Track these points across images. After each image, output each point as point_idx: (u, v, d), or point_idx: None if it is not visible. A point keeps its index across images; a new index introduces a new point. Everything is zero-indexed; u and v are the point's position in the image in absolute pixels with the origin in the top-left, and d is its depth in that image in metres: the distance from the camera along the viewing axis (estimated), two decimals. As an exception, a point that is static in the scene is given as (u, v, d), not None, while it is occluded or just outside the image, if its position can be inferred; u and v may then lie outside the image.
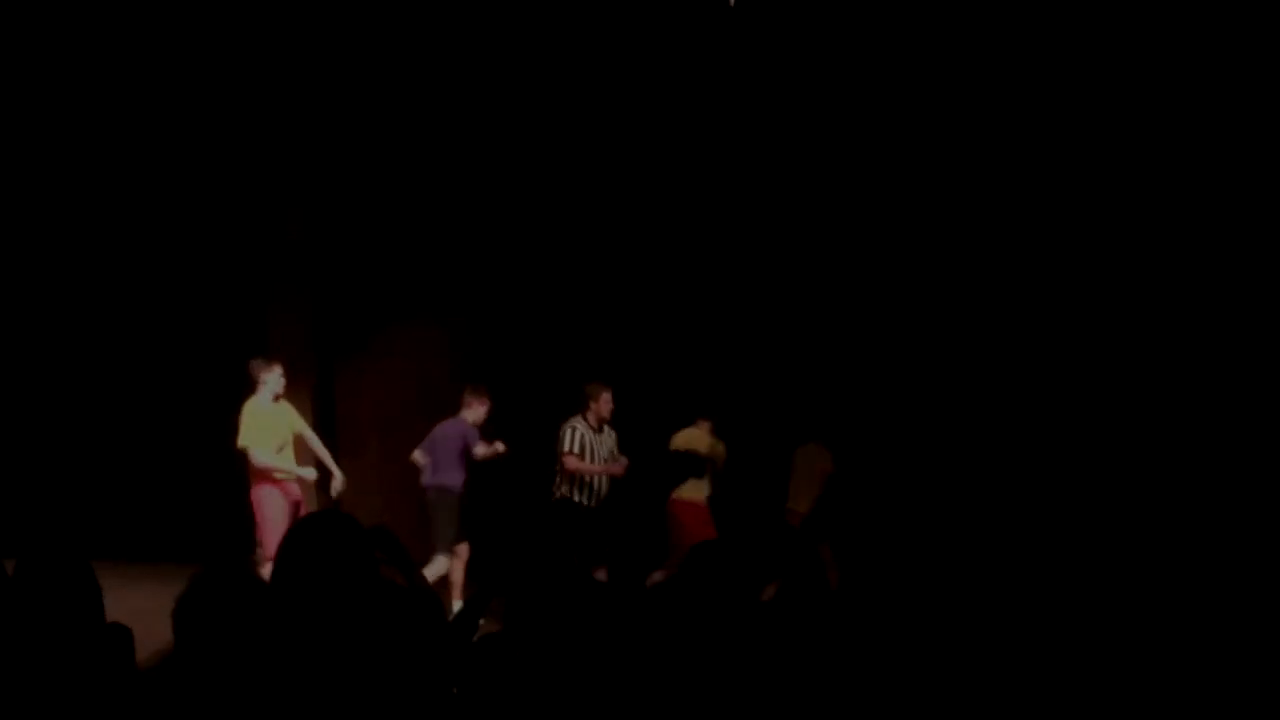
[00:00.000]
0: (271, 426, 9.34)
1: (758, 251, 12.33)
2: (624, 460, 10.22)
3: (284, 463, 9.40)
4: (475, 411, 10.19)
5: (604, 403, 10.17)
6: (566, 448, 10.05)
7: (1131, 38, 10.24)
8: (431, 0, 11.43)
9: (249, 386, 9.43)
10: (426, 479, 10.15)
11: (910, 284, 11.66)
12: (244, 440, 9.22)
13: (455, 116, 11.90)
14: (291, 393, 9.90)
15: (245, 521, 9.55)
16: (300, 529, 3.45)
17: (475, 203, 12.18)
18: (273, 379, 9.46)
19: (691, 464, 10.07)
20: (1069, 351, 10.74)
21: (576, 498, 10.11)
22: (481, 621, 3.87)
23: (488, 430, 10.37)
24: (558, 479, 10.21)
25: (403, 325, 12.25)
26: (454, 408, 10.45)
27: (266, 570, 4.59)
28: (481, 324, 12.30)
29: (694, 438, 10.39)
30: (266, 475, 9.29)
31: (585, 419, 10.15)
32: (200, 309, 12.70)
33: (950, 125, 11.17)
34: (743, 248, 12.32)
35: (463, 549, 10.12)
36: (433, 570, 9.70)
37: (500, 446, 10.09)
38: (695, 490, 10.25)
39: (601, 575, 9.16)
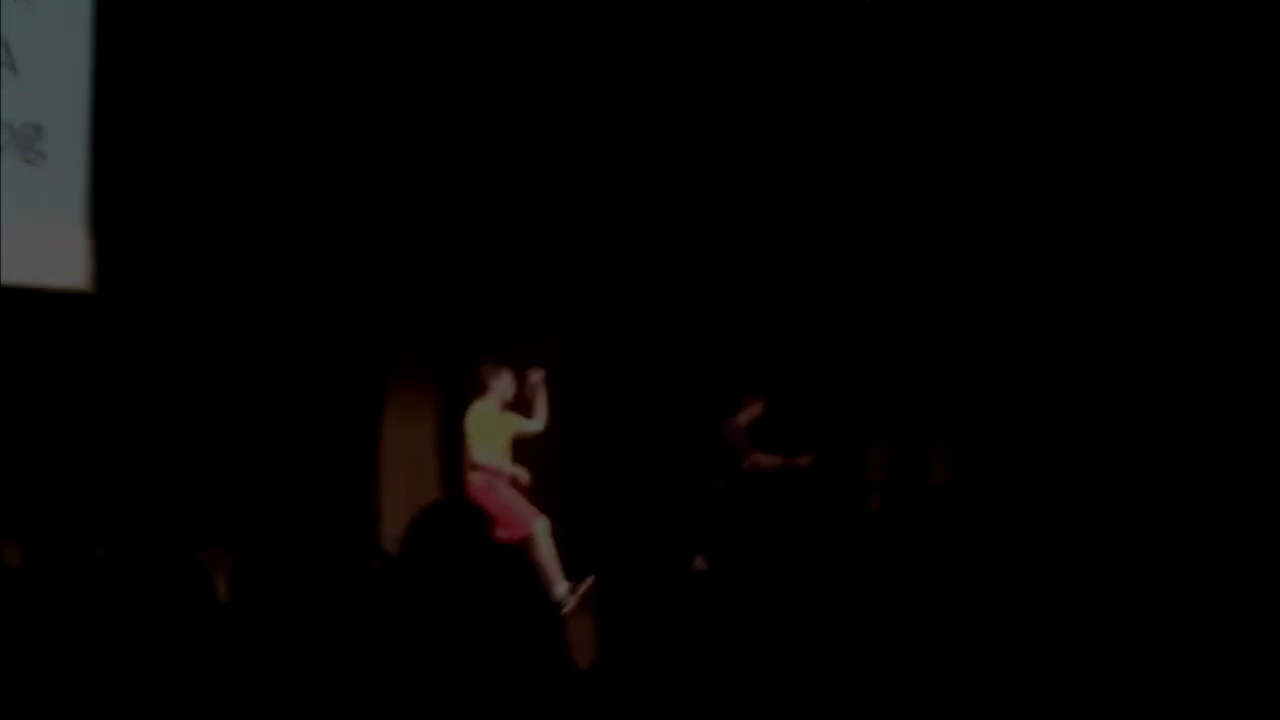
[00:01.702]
0: (498, 431, 9.37)
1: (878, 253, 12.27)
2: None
3: (505, 465, 9.38)
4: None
5: (760, 409, 10.44)
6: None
7: (1132, 38, 10.09)
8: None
9: (477, 391, 9.42)
10: None
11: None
12: (477, 453, 9.24)
13: (572, 134, 12.02)
14: (417, 399, 10.01)
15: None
16: (430, 514, 3.46)
17: (591, 212, 12.28)
18: (502, 385, 9.47)
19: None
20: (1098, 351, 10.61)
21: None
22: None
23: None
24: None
25: (524, 333, 12.36)
26: (571, 411, 10.51)
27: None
28: (600, 330, 12.37)
29: None
30: (490, 470, 9.32)
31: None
32: (331, 317, 12.88)
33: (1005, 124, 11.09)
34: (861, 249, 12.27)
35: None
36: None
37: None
38: None
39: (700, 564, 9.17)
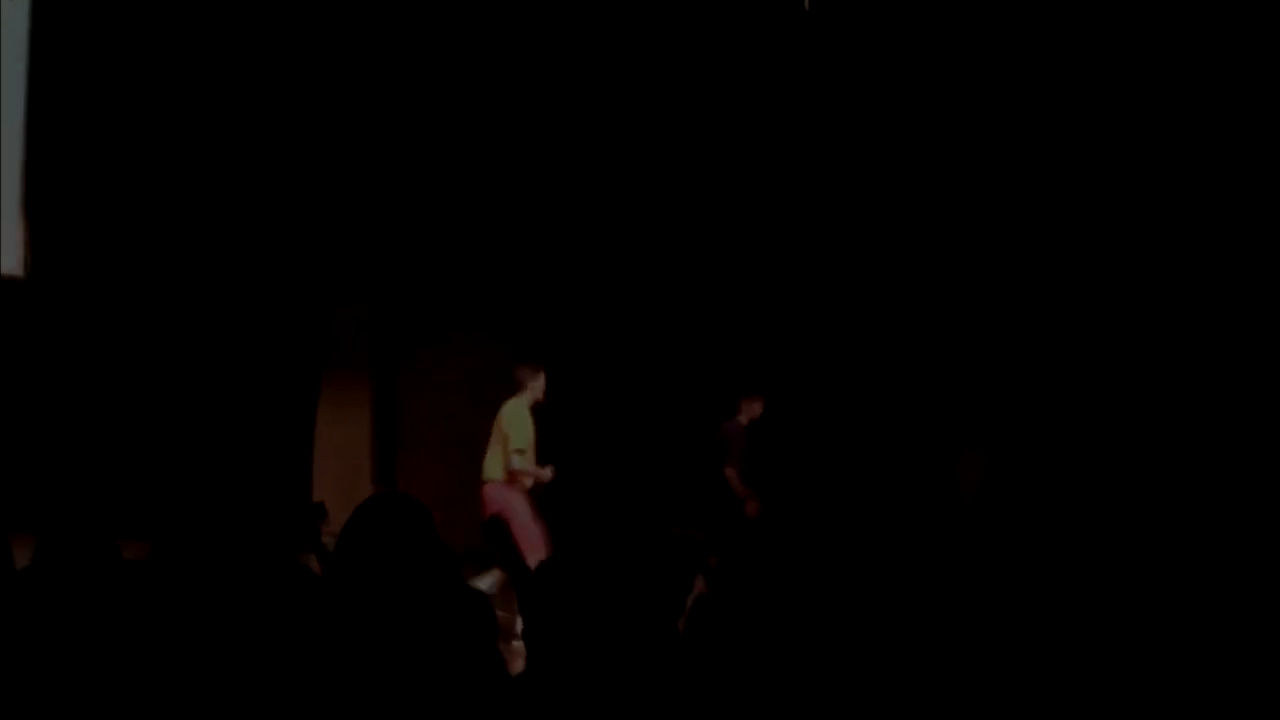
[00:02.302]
0: (530, 432, 9.34)
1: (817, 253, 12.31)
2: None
3: (531, 466, 9.37)
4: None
5: (759, 410, 10.45)
6: None
7: (1131, 38, 10.22)
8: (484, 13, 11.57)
9: (511, 389, 9.36)
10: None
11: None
12: (517, 443, 9.17)
13: (512, 135, 12.02)
14: (351, 394, 9.94)
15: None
16: (369, 508, 3.44)
17: (528, 213, 12.27)
18: (537, 386, 9.44)
19: None
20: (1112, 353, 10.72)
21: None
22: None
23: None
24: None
25: (460, 329, 12.37)
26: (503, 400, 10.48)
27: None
28: (534, 327, 12.38)
29: None
30: (514, 478, 9.25)
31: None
32: (266, 310, 12.83)
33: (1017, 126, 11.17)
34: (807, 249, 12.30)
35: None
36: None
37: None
38: None
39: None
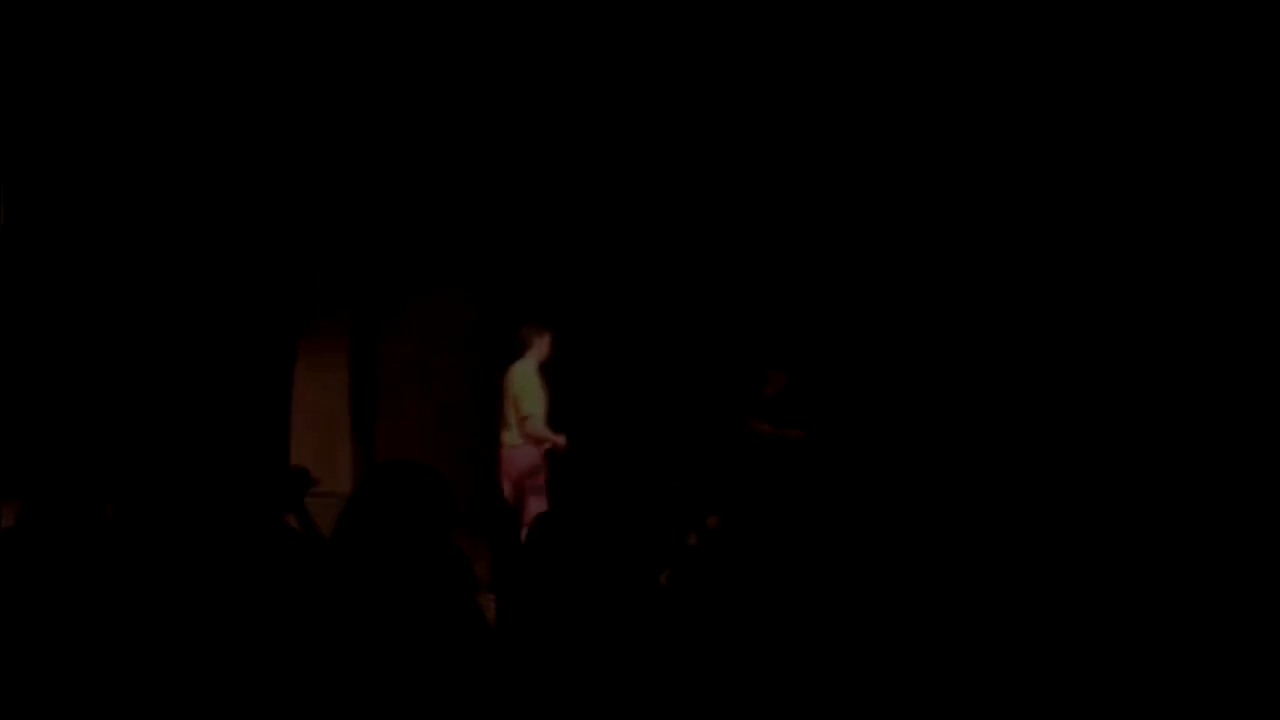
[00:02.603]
0: (541, 394, 9.16)
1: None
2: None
3: (545, 430, 9.18)
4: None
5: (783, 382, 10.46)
6: None
7: (1132, 38, 10.22)
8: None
9: (518, 351, 9.20)
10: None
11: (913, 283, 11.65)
12: (529, 408, 9.04)
13: (492, 91, 11.93)
14: (329, 354, 9.89)
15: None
16: (383, 474, 3.36)
17: (510, 170, 12.21)
18: (543, 345, 9.25)
19: None
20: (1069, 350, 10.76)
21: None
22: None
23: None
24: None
25: (441, 288, 12.32)
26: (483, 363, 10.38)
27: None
28: (510, 287, 12.33)
29: None
30: (534, 441, 9.12)
31: None
32: (243, 270, 12.75)
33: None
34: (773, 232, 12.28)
35: None
36: None
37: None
38: None
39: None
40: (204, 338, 12.56)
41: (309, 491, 4.19)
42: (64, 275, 12.16)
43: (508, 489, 9.15)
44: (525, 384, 9.06)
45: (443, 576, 3.26)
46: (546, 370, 9.31)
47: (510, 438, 9.15)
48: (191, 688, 3.12)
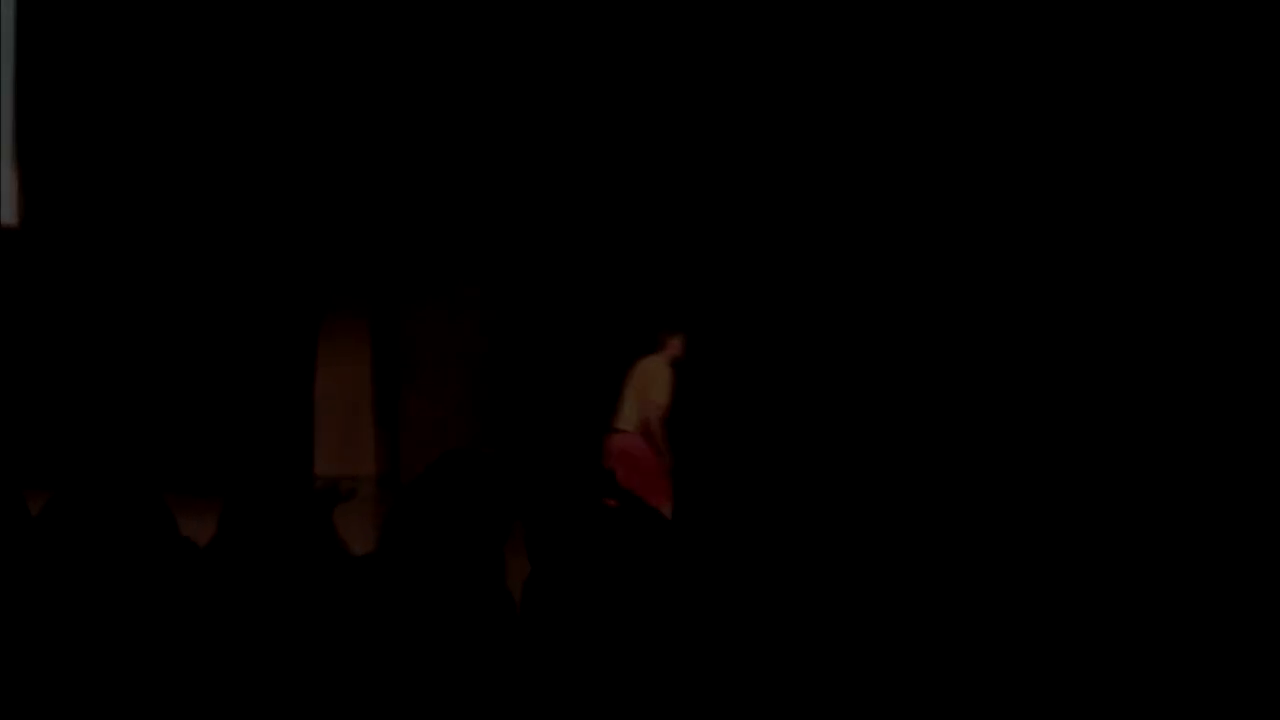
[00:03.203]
0: (667, 389, 9.42)
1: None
2: None
3: (660, 426, 9.41)
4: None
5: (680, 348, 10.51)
6: None
7: (1131, 38, 10.20)
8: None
9: (650, 347, 9.42)
10: None
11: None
12: (658, 395, 9.31)
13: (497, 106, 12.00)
14: (351, 340, 9.92)
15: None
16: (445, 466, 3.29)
17: (528, 167, 12.22)
18: (676, 345, 9.59)
19: None
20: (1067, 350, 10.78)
21: None
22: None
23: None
24: None
25: (466, 270, 12.34)
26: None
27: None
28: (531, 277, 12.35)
29: None
30: (648, 429, 9.34)
31: None
32: (264, 256, 12.78)
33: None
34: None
35: None
36: None
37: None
38: None
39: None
40: (227, 326, 12.62)
41: (339, 502, 4.15)
42: (86, 268, 12.22)
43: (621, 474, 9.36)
44: (656, 376, 9.39)
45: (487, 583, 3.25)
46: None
47: (624, 422, 9.47)
48: (212, 683, 3.16)
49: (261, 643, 3.16)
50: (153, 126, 12.21)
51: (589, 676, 3.23)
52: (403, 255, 12.41)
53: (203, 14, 12.04)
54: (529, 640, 3.26)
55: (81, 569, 3.40)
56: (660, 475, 9.28)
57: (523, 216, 12.17)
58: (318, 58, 12.17)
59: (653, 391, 9.37)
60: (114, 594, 3.28)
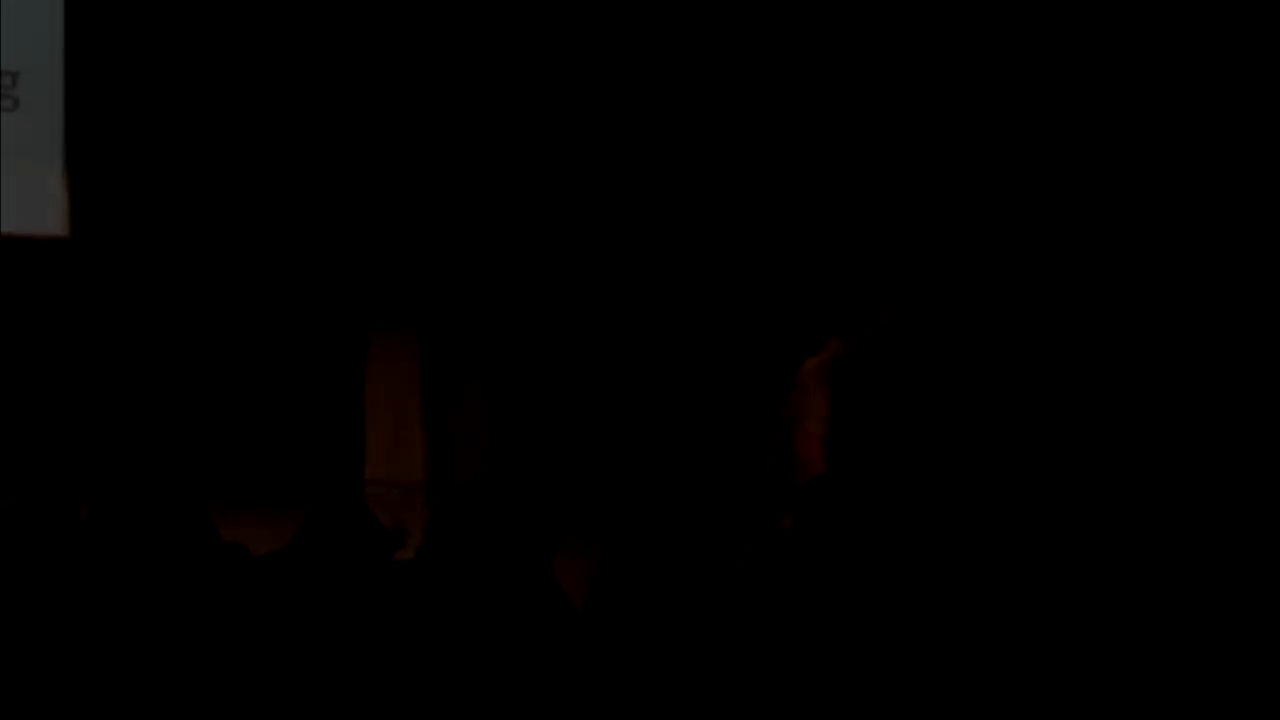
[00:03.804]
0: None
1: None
2: None
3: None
4: None
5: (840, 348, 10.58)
6: None
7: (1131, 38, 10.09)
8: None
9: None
10: None
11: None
12: (819, 404, 9.60)
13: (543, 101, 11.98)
14: (399, 341, 9.85)
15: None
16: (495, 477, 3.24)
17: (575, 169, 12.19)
18: (836, 345, 9.78)
19: None
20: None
21: None
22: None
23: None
24: None
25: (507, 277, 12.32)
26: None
27: None
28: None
29: None
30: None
31: None
32: (313, 257, 12.77)
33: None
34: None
35: None
36: None
37: None
38: None
39: None
40: (275, 329, 12.65)
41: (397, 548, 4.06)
42: (136, 278, 12.28)
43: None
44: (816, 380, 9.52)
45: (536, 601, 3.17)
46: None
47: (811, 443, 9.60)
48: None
49: (303, 648, 3.12)
50: (205, 136, 12.24)
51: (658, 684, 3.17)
52: (453, 263, 12.42)
53: (263, 24, 12.08)
54: (590, 644, 3.19)
55: (126, 577, 3.39)
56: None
57: (577, 226, 12.14)
58: (367, 68, 12.19)
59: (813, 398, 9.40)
60: (157, 602, 3.26)
